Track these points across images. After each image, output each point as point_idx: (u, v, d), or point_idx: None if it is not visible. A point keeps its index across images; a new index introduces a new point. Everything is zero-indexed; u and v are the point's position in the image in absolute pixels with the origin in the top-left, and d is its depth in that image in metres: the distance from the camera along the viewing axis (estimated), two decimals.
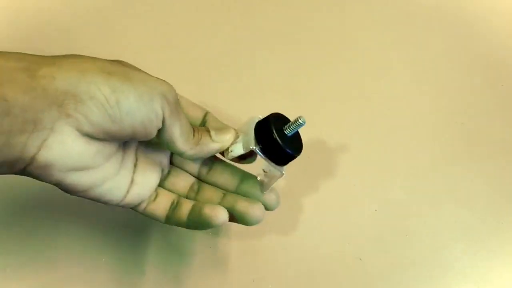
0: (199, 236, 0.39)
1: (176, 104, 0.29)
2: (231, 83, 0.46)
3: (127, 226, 0.39)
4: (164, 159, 0.34)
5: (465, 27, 0.51)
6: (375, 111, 0.45)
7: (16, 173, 0.27)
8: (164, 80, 0.29)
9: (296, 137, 0.32)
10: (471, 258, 0.39)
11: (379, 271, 0.38)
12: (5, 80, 0.25)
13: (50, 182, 0.28)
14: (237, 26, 0.50)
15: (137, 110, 0.27)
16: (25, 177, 0.27)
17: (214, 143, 0.31)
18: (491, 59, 0.49)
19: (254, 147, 0.30)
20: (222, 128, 0.32)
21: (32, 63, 0.26)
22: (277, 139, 0.30)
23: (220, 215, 0.30)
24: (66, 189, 0.28)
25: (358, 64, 0.48)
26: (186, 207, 0.32)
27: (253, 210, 0.31)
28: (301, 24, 0.50)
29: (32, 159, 0.26)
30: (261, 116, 0.32)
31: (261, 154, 0.30)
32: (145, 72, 0.29)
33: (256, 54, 0.48)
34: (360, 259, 0.38)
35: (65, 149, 0.27)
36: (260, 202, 0.32)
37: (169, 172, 0.34)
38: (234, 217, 0.31)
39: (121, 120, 0.27)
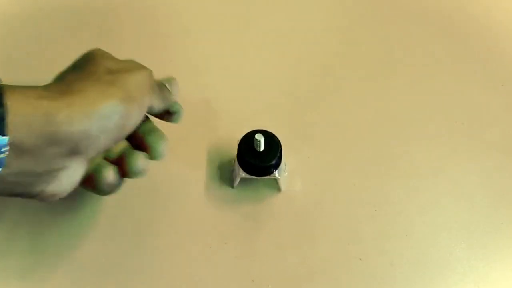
0: (199, 236, 0.39)
1: (153, 87, 0.31)
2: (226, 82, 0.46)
3: (117, 228, 0.39)
4: None
5: (465, 26, 0.51)
6: (375, 110, 0.45)
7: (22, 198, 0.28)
8: (144, 70, 0.30)
9: (269, 144, 0.36)
10: (471, 258, 0.39)
11: (379, 271, 0.38)
12: (23, 124, 0.24)
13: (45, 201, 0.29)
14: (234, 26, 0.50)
15: (136, 123, 0.29)
16: None
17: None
18: (491, 60, 0.49)
19: (243, 175, 0.37)
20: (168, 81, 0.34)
21: (51, 106, 0.25)
22: (253, 163, 0.36)
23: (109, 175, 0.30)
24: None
25: (357, 64, 0.48)
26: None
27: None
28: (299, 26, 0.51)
29: (41, 191, 0.27)
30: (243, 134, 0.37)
31: (253, 177, 0.37)
32: (128, 64, 0.30)
33: (251, 54, 0.48)
34: (360, 259, 0.38)
35: (71, 180, 0.28)
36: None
37: None
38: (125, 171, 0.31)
39: (122, 138, 0.29)
